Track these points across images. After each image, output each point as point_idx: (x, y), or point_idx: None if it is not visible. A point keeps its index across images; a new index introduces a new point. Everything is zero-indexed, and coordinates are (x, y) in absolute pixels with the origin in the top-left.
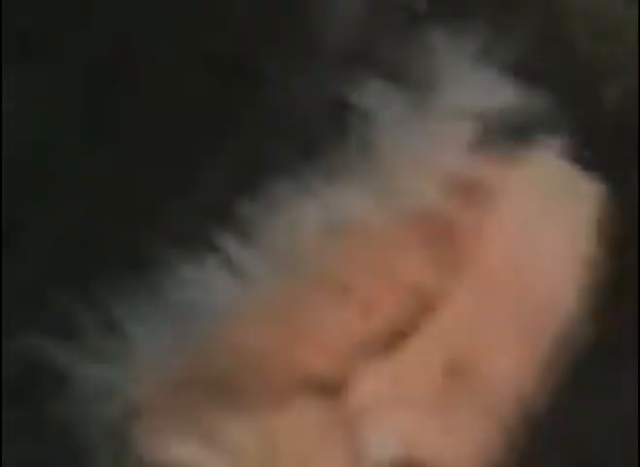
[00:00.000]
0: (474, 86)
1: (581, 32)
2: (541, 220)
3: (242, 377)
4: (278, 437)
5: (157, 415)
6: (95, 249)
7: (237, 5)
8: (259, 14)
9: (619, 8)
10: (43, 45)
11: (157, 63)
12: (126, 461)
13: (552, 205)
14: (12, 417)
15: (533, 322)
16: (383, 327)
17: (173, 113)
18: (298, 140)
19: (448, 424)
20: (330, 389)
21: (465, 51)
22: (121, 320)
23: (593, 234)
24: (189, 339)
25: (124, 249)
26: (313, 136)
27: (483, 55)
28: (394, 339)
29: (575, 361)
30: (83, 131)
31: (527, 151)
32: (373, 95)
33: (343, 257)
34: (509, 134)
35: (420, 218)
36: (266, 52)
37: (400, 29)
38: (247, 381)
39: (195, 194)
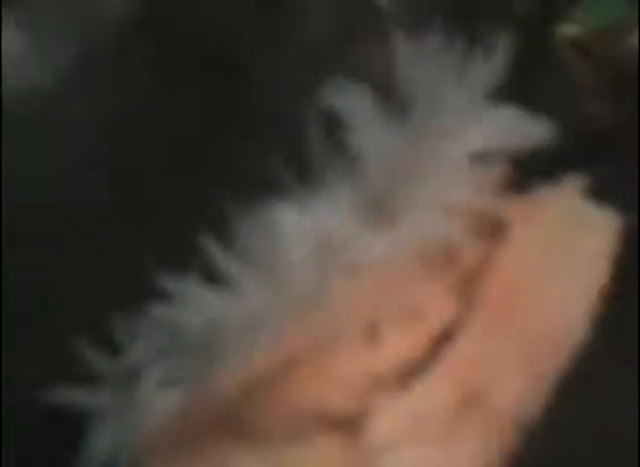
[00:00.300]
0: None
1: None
2: (554, 255)
3: (255, 410)
4: None
5: (167, 448)
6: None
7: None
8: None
9: None
10: None
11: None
12: None
13: (566, 240)
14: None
15: (543, 355)
16: (397, 359)
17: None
18: (289, 157)
19: (462, 457)
20: (346, 425)
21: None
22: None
23: (607, 269)
24: (201, 372)
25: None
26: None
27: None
28: (409, 371)
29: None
30: None
31: (541, 184)
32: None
33: (352, 288)
34: (522, 167)
35: (429, 249)
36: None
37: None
38: (261, 416)
39: (187, 208)
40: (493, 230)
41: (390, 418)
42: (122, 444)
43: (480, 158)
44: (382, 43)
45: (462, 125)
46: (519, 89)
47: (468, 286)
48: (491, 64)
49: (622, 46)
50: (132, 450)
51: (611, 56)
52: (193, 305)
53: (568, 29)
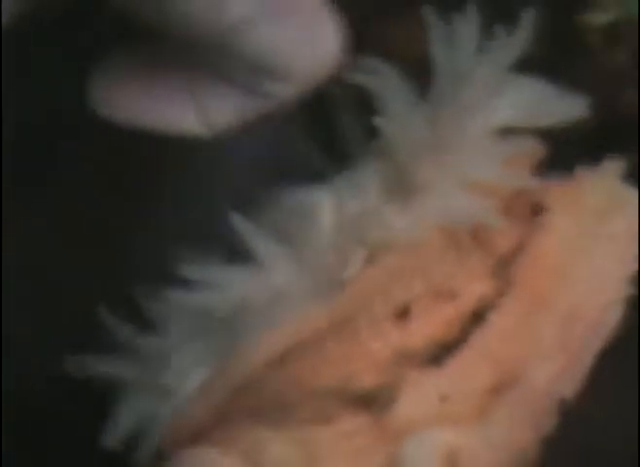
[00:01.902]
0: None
1: None
2: (590, 237)
3: (281, 389)
4: (321, 451)
5: (197, 430)
6: None
7: None
8: None
9: None
10: None
11: None
12: None
13: (603, 222)
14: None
15: (578, 338)
16: (427, 337)
17: None
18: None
19: (491, 438)
20: (373, 403)
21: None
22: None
23: None
24: (227, 352)
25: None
26: None
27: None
28: (440, 350)
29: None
30: None
31: (579, 166)
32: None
33: (381, 267)
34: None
35: (456, 227)
36: None
37: None
38: (286, 394)
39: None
40: (531, 212)
41: (418, 397)
42: (147, 420)
43: (506, 133)
44: (411, 22)
45: (485, 98)
46: (548, 75)
47: (503, 267)
48: (516, 39)
49: None
50: (158, 428)
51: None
52: (218, 285)
53: (597, 16)
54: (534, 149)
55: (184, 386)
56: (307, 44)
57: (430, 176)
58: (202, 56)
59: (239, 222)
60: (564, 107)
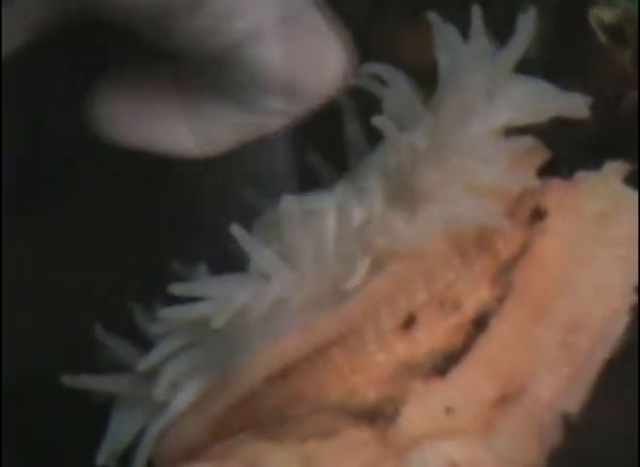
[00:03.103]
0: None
1: None
2: (592, 243)
3: (287, 405)
4: (325, 465)
5: (194, 446)
6: None
7: None
8: None
9: None
10: None
11: None
12: None
13: (605, 227)
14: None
15: (583, 349)
16: (432, 348)
17: None
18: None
19: (497, 451)
20: (379, 417)
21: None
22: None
23: None
24: (227, 367)
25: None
26: None
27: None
28: (444, 360)
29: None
30: None
31: (580, 170)
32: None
33: (385, 277)
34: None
35: (460, 229)
36: None
37: None
38: (292, 410)
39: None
40: (532, 217)
41: (423, 410)
42: (143, 432)
43: (505, 133)
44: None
45: (487, 101)
46: (554, 74)
47: (505, 273)
48: (518, 40)
49: None
50: (150, 443)
51: None
52: (217, 298)
53: (604, 14)
54: (539, 152)
55: (176, 400)
56: (312, 61)
57: (434, 181)
58: (202, 74)
59: (239, 233)
60: (565, 106)
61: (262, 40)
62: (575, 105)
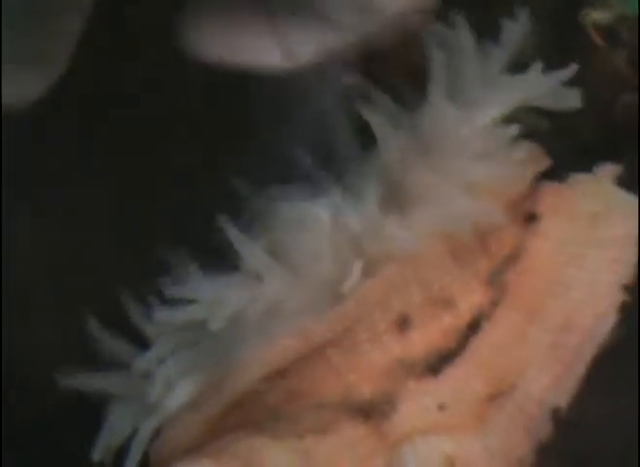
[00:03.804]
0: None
1: None
2: (584, 244)
3: (284, 403)
4: (321, 461)
5: (191, 444)
6: None
7: None
8: None
9: None
10: None
11: None
12: None
13: (596, 229)
14: None
15: (572, 348)
16: (425, 348)
17: None
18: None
19: (489, 446)
20: (374, 414)
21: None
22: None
23: (636, 257)
24: (222, 367)
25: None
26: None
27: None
28: (438, 360)
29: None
30: None
31: (572, 172)
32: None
33: (380, 278)
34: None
35: (463, 237)
36: None
37: None
38: (289, 407)
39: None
40: (525, 219)
41: (417, 407)
42: (138, 429)
43: (495, 130)
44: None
45: (480, 99)
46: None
47: (498, 276)
48: (511, 39)
49: None
50: (147, 438)
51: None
52: (215, 296)
53: (598, 16)
54: (539, 157)
55: (170, 399)
56: None
57: (427, 183)
58: None
59: (234, 236)
60: (559, 100)
61: None
62: (565, 97)
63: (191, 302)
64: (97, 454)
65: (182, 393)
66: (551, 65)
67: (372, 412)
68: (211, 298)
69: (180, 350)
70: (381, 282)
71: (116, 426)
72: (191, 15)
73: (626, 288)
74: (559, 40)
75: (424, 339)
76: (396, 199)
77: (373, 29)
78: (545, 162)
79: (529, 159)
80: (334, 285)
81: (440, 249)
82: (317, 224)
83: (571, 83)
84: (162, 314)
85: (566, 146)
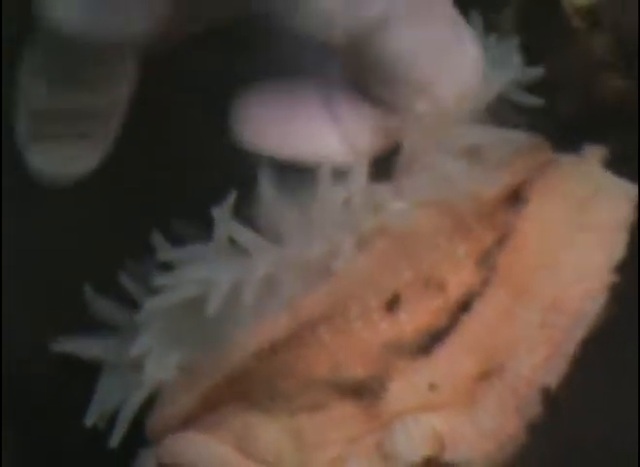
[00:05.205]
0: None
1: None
2: (573, 226)
3: (276, 380)
4: (312, 438)
5: (186, 418)
6: None
7: None
8: None
9: None
10: None
11: None
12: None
13: (585, 210)
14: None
15: (561, 328)
16: (416, 327)
17: None
18: None
19: (479, 424)
20: (363, 392)
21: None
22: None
23: (625, 239)
24: (222, 342)
25: None
26: None
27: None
28: (428, 339)
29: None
30: None
31: (560, 154)
32: None
33: (371, 255)
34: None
35: (452, 216)
36: None
37: None
38: (281, 385)
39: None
40: (513, 201)
41: (407, 386)
42: (129, 397)
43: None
44: None
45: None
46: (529, 58)
47: (487, 255)
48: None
49: (632, 17)
50: (134, 409)
51: (621, 27)
52: (209, 271)
53: None
54: (542, 150)
55: (155, 370)
56: (450, 57)
57: (419, 149)
58: (340, 72)
59: (218, 213)
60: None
61: (396, 25)
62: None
63: (180, 284)
64: (90, 420)
65: (170, 364)
66: (530, 47)
67: (362, 390)
68: (202, 278)
69: (170, 326)
70: (372, 258)
71: (108, 391)
72: (242, 105)
73: (616, 269)
74: (539, 22)
75: (415, 318)
76: (387, 171)
77: (433, 111)
78: (549, 156)
79: (527, 151)
80: (325, 261)
81: (431, 228)
82: (308, 200)
83: (551, 64)
84: (153, 302)
85: (549, 126)
